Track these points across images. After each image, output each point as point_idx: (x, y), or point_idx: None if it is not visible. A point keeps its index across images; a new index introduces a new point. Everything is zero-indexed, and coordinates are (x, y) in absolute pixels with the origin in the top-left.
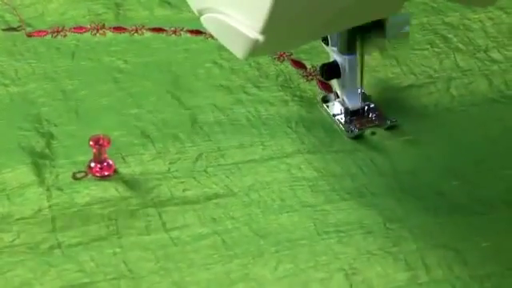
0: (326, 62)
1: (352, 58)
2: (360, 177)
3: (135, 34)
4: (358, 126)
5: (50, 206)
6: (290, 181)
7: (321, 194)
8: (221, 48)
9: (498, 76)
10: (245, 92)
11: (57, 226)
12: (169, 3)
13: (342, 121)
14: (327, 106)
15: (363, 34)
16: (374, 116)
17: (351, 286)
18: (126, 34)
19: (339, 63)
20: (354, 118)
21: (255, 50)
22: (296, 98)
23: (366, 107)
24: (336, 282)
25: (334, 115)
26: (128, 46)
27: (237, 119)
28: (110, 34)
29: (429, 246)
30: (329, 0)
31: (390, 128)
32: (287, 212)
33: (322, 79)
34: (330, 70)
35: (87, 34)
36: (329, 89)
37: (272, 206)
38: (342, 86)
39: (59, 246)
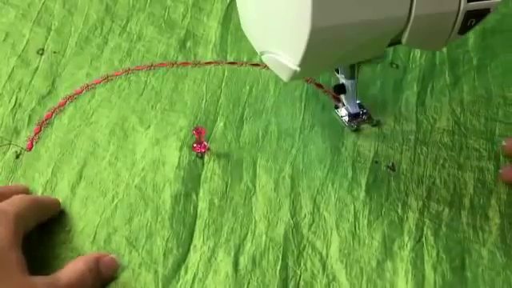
0: (336, 83)
1: (352, 81)
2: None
3: None
4: (355, 123)
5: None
6: None
7: None
8: None
9: None
10: None
11: None
12: None
13: (347, 120)
14: (337, 111)
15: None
16: (365, 117)
17: None
18: None
19: (345, 84)
20: (353, 118)
21: (294, 76)
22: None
23: (361, 112)
24: None
25: (342, 116)
26: None
27: None
28: None
29: None
30: (345, 44)
31: (376, 124)
32: None
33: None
34: (339, 89)
35: None
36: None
37: None
38: (346, 99)
39: None
